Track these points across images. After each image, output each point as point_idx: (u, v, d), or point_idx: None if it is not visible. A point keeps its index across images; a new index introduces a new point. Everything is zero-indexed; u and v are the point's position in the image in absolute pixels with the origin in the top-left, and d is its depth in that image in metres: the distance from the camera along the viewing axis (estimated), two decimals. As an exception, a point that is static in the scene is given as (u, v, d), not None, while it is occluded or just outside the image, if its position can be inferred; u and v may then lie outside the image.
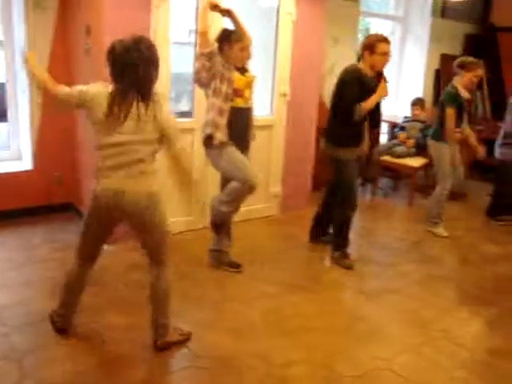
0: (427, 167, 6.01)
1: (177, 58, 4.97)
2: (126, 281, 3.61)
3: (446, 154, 4.81)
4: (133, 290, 3.47)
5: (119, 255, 3.96)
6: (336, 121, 3.97)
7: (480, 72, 4.76)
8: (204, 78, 3.51)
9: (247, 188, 3.57)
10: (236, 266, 3.88)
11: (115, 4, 3.74)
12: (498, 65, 7.69)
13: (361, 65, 3.89)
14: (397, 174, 6.47)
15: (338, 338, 3.16)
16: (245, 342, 3.01)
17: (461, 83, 4.70)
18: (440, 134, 4.79)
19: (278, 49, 4.71)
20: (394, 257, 4.44)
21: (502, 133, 5.29)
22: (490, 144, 5.60)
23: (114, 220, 2.73)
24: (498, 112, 6.48)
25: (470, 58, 4.76)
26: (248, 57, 3.63)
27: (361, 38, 7.45)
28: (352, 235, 4.35)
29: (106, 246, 2.99)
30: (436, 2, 7.02)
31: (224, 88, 3.48)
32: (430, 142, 4.95)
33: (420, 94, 7.07)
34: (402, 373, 2.84)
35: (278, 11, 4.64)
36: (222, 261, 3.89)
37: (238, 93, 3.55)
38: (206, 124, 3.56)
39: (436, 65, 7.45)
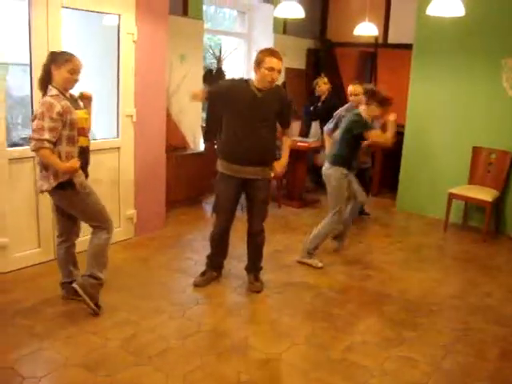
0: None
1: (20, 81, 4.70)
2: None
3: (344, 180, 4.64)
4: None
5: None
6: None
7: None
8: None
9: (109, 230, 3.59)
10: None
11: None
12: (338, 76, 8.27)
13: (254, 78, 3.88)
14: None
15: (200, 356, 3.15)
16: (103, 376, 2.89)
17: (367, 112, 4.54)
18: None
19: (120, 70, 4.62)
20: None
21: None
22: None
23: None
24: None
25: (384, 94, 4.54)
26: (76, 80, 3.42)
27: (209, 54, 7.62)
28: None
29: None
30: (277, 20, 7.36)
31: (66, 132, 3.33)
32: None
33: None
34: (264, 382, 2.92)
35: (118, 31, 4.55)
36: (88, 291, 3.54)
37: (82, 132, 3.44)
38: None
39: (282, 78, 7.79)
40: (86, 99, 3.57)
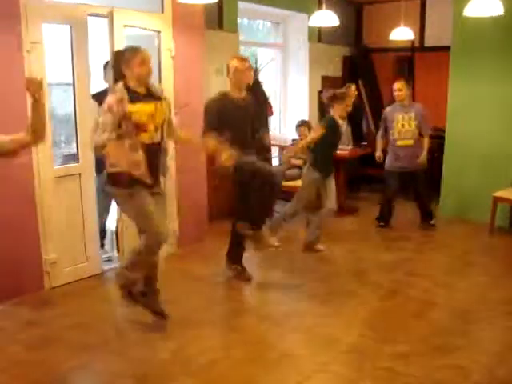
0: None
1: (62, 100, 4.85)
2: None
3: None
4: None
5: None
6: None
7: (349, 101, 4.80)
8: None
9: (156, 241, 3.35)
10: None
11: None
12: (375, 82, 8.22)
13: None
14: (291, 197, 6.63)
15: (245, 368, 3.15)
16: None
17: (336, 114, 4.78)
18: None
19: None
20: (294, 279, 4.53)
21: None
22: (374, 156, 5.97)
23: None
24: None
25: (338, 90, 4.82)
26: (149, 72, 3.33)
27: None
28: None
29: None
30: (312, 29, 7.37)
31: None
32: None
33: (306, 116, 7.36)
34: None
35: (158, 49, 4.65)
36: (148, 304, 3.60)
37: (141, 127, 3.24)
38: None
39: (318, 86, 7.79)
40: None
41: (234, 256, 4.49)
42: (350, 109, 4.82)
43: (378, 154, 5.79)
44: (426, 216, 5.90)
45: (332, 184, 4.99)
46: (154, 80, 4.65)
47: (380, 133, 5.91)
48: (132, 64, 3.22)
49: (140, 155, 3.21)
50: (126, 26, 4.35)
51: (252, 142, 4.28)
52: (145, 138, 3.23)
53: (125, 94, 3.18)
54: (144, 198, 3.29)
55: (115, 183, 3.30)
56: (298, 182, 6.08)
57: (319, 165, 4.80)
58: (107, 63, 4.29)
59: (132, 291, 3.48)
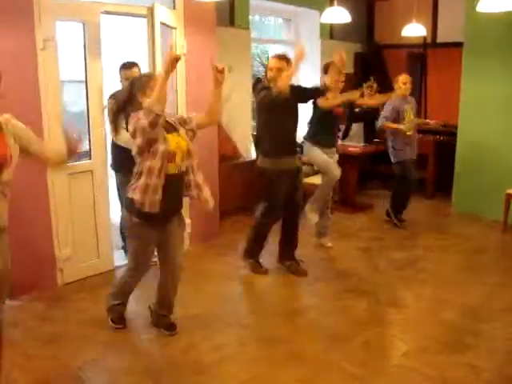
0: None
1: (75, 97, 4.88)
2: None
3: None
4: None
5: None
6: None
7: (334, 71, 4.62)
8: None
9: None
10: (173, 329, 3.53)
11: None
12: (387, 78, 8.16)
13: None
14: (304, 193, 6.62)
15: (257, 365, 3.16)
16: (165, 382, 2.96)
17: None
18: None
19: (175, 82, 4.72)
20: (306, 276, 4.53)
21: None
22: (386, 153, 5.94)
23: None
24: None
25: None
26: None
27: (256, 61, 7.69)
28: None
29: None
30: (324, 26, 7.34)
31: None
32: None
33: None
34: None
35: (175, 44, 4.60)
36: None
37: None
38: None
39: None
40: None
41: (252, 250, 4.53)
42: (340, 79, 4.65)
43: (402, 126, 5.66)
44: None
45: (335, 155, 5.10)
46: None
47: (384, 120, 5.74)
48: (149, 90, 3.09)
49: (160, 195, 3.04)
50: (162, 23, 4.36)
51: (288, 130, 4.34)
52: (172, 168, 3.08)
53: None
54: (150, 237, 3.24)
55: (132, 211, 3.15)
56: (312, 179, 6.09)
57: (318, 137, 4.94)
58: (120, 66, 4.29)
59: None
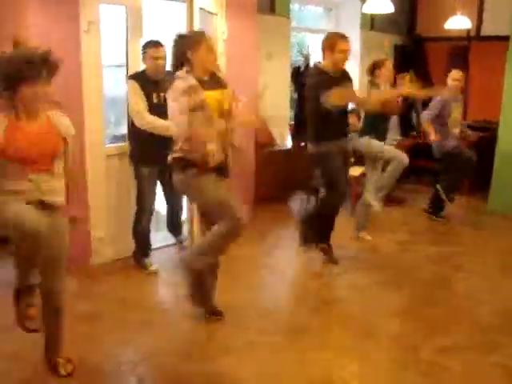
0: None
1: (113, 82, 4.91)
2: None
3: None
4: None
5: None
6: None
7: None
8: None
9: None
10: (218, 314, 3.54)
11: (42, 30, 3.65)
12: (427, 72, 8.02)
13: (323, 63, 4.13)
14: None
15: (284, 353, 3.16)
16: (194, 363, 3.00)
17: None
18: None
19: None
20: (337, 267, 4.50)
21: None
22: (429, 148, 5.84)
23: None
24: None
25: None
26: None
27: (296, 51, 7.64)
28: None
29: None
30: (365, 16, 7.24)
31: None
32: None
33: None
34: (354, 381, 2.90)
35: (215, 30, 4.63)
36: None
37: None
38: None
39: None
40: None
41: (322, 234, 4.49)
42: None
43: (433, 136, 5.62)
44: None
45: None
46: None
47: (430, 117, 5.67)
48: (200, 49, 3.05)
49: (214, 145, 3.06)
50: (201, 8, 4.35)
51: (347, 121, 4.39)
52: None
53: (195, 81, 3.02)
54: (215, 184, 3.17)
55: (183, 168, 3.13)
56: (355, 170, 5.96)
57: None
58: (147, 44, 4.18)
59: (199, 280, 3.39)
